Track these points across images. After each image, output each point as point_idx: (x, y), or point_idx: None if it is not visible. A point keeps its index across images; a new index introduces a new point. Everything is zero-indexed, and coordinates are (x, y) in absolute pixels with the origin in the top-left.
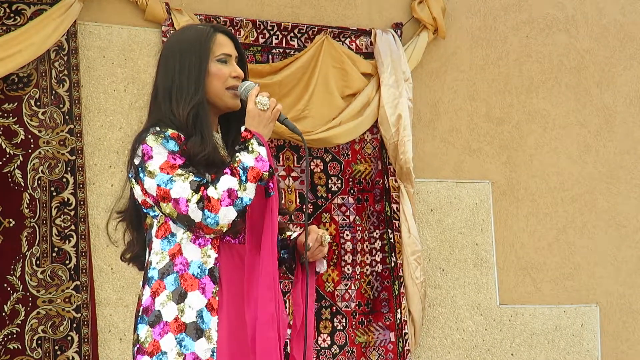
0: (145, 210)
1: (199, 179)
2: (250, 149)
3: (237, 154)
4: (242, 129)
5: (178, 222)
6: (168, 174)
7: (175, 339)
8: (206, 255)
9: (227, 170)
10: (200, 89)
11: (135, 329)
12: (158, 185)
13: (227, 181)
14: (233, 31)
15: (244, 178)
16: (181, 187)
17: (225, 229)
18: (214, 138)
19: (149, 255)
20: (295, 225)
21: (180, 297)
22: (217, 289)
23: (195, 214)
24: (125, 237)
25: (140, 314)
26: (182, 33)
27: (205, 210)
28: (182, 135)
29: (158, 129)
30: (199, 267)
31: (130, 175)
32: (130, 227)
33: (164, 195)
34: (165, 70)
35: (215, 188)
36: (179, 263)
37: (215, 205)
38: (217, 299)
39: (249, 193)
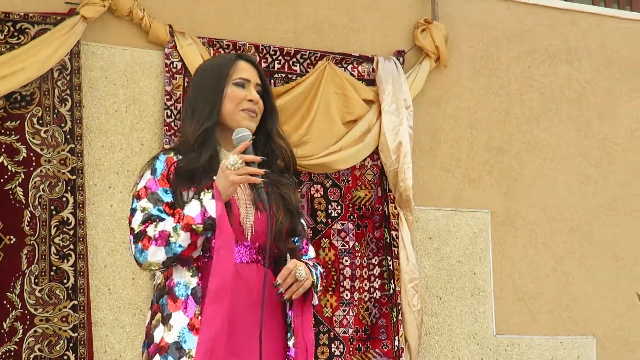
0: None
1: (155, 214)
2: (200, 198)
3: (192, 199)
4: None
5: None
6: (136, 201)
7: (161, 359)
8: (190, 275)
9: (176, 211)
10: (215, 111)
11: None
12: (130, 209)
13: (167, 223)
14: None
15: (180, 225)
16: (136, 218)
17: (154, 268)
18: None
19: (154, 278)
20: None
21: (166, 317)
22: (200, 309)
23: (132, 247)
24: None
25: (145, 338)
26: (209, 60)
27: (139, 245)
28: (174, 158)
29: (160, 153)
30: (183, 287)
31: None
32: None
33: (129, 221)
34: (190, 94)
35: (156, 227)
36: (169, 284)
37: (147, 243)
38: (199, 318)
39: (181, 240)
